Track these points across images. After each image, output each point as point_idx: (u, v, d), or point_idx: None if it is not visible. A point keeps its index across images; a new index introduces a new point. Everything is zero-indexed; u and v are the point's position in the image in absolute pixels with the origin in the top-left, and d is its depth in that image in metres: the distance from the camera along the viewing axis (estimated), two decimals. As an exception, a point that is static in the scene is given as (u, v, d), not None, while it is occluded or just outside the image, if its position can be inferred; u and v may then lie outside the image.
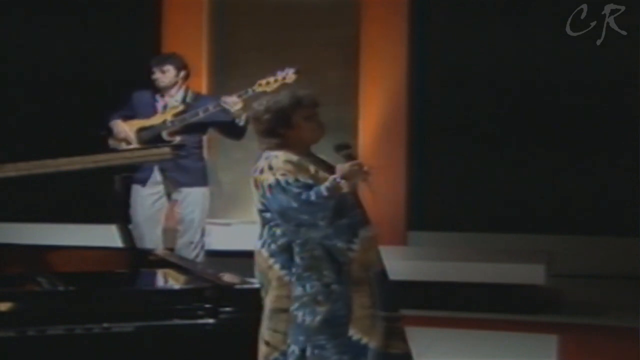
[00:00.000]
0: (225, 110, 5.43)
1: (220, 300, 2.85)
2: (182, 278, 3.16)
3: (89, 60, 7.65)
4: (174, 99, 5.63)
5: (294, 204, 3.26)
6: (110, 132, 5.61)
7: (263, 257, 3.35)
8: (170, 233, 5.76)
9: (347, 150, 3.37)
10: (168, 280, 3.20)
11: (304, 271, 3.29)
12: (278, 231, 3.34)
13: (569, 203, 7.57)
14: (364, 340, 3.30)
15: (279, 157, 3.34)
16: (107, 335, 2.73)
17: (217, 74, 7.41)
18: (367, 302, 3.32)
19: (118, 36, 7.57)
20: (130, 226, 5.38)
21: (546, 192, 7.56)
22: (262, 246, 3.36)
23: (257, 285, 2.95)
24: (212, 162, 6.29)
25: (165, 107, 5.62)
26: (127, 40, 7.50)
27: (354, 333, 3.30)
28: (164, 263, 3.39)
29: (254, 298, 2.93)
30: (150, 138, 5.48)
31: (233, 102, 5.38)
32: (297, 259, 3.30)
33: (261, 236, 3.39)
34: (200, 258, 5.59)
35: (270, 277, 3.33)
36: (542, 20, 7.50)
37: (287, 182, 3.28)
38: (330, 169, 3.38)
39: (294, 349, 3.29)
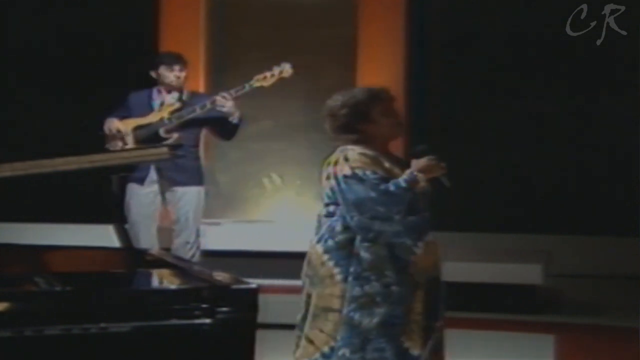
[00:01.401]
0: (219, 109, 5.42)
1: (217, 300, 2.84)
2: (178, 278, 3.14)
3: (86, 59, 7.64)
4: (171, 97, 5.63)
5: (372, 194, 3.22)
6: (105, 132, 5.61)
7: (317, 253, 3.31)
8: (165, 232, 5.76)
9: (422, 146, 3.34)
10: (165, 280, 3.19)
11: (363, 270, 3.24)
12: (338, 227, 3.29)
13: (567, 203, 7.58)
14: (406, 344, 3.26)
15: (355, 150, 3.30)
16: (104, 335, 2.72)
17: (214, 73, 7.40)
18: (419, 307, 3.27)
19: (115, 35, 7.57)
20: (126, 225, 5.38)
21: (544, 192, 7.57)
22: (319, 241, 3.32)
23: (254, 286, 2.94)
24: (211, 162, 6.29)
25: (161, 104, 5.62)
26: (124, 38, 7.50)
27: (400, 335, 3.26)
28: (160, 263, 3.38)
29: (250, 298, 2.92)
30: (147, 136, 5.47)
31: (225, 101, 5.37)
32: (364, 255, 3.24)
33: (318, 231, 3.34)
34: (196, 258, 5.58)
35: (321, 274, 3.30)
36: (542, 20, 7.50)
37: (364, 173, 3.25)
38: (406, 167, 3.34)
39: (345, 352, 3.24)
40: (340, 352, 3.26)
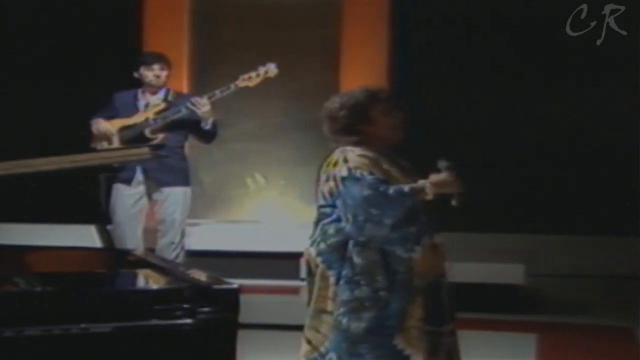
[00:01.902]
0: (193, 111, 5.42)
1: (198, 300, 2.84)
2: (160, 278, 3.15)
3: (70, 59, 7.63)
4: (156, 97, 5.63)
5: (367, 193, 3.17)
6: (91, 132, 5.61)
7: (311, 256, 3.31)
8: (151, 233, 5.76)
9: (448, 163, 3.28)
10: (146, 280, 3.19)
11: (354, 275, 3.21)
12: (331, 229, 3.27)
13: (548, 203, 7.61)
14: (407, 351, 3.22)
15: (354, 152, 3.27)
16: (85, 335, 2.72)
17: (198, 73, 7.40)
18: (420, 313, 3.23)
19: (99, 36, 7.56)
20: (111, 226, 5.39)
21: (526, 192, 7.60)
22: (312, 244, 3.31)
23: (235, 286, 2.94)
24: (194, 162, 6.29)
25: (147, 105, 5.61)
26: (108, 39, 7.48)
27: (399, 342, 3.22)
28: (143, 263, 3.38)
29: (232, 298, 2.92)
30: (133, 137, 5.47)
31: (202, 104, 5.37)
32: (356, 259, 3.22)
33: (313, 234, 3.33)
34: (181, 258, 5.59)
35: (315, 276, 3.29)
36: (537, 18, 7.51)
37: (362, 174, 3.21)
38: (406, 170, 3.32)
39: (332, 356, 3.23)
40: (328, 357, 3.25)
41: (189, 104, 5.39)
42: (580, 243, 7.55)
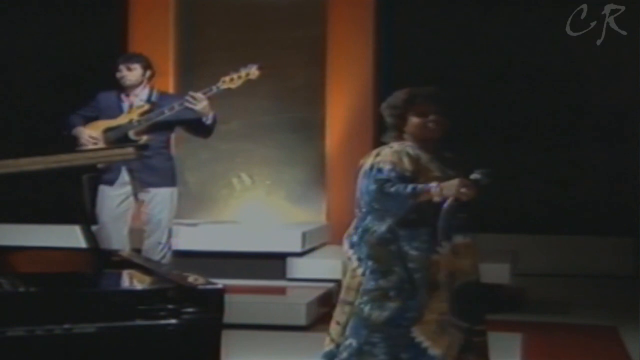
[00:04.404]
0: (191, 108, 5.43)
1: (182, 300, 2.84)
2: (145, 279, 3.14)
3: (55, 60, 7.61)
4: (139, 99, 5.61)
5: (373, 187, 3.27)
6: (70, 133, 5.58)
7: (345, 248, 3.41)
8: (137, 233, 5.75)
9: (479, 176, 3.39)
10: (131, 281, 3.19)
11: (380, 265, 3.28)
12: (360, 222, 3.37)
13: (533, 203, 7.64)
14: (425, 344, 3.27)
15: (393, 147, 3.39)
16: (68, 336, 2.72)
17: (184, 74, 7.40)
18: (442, 307, 3.28)
19: (85, 36, 7.54)
20: (97, 227, 5.37)
21: (511, 192, 7.63)
22: (347, 237, 3.40)
23: (220, 286, 2.94)
24: (180, 162, 6.28)
25: (130, 106, 5.60)
26: (94, 40, 7.47)
27: (417, 335, 3.27)
28: (127, 264, 3.38)
29: (217, 299, 2.92)
30: (117, 138, 5.46)
31: (198, 99, 5.37)
32: (364, 248, 3.30)
33: (351, 226, 3.43)
34: (168, 259, 5.57)
35: (346, 269, 3.39)
36: (513, 16, 7.53)
37: (380, 169, 3.31)
38: (451, 168, 3.39)
39: (352, 341, 3.29)
40: (347, 342, 3.31)
41: (185, 102, 5.39)
42: (565, 243, 7.59)
